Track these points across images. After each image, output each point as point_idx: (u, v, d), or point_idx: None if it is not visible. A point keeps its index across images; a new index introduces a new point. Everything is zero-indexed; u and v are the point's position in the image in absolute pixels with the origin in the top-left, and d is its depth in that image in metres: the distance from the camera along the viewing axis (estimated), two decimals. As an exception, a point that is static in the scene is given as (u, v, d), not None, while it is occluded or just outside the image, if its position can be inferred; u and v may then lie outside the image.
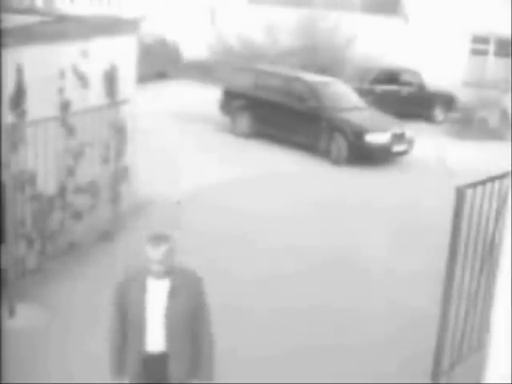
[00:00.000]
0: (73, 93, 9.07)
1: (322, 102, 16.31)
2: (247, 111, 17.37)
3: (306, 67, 20.76)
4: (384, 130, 15.75)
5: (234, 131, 17.53)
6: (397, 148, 15.89)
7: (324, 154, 15.76)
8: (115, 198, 10.04)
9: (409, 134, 16.19)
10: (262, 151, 16.27)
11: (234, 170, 14.24)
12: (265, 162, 15.30)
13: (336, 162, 15.51)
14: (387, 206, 12.65)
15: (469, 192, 6.24)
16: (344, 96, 17.15)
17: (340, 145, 15.54)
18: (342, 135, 15.57)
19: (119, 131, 9.97)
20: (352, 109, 16.62)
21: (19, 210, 8.03)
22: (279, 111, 16.81)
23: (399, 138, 15.90)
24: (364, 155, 15.60)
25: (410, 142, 16.16)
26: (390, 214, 12.20)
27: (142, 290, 4.75)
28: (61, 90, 8.87)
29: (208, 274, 9.22)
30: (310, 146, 16.09)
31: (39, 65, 8.46)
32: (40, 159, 8.36)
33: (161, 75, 23.98)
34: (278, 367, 7.15)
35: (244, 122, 17.40)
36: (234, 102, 17.79)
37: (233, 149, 16.29)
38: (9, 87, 7.93)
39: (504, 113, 20.01)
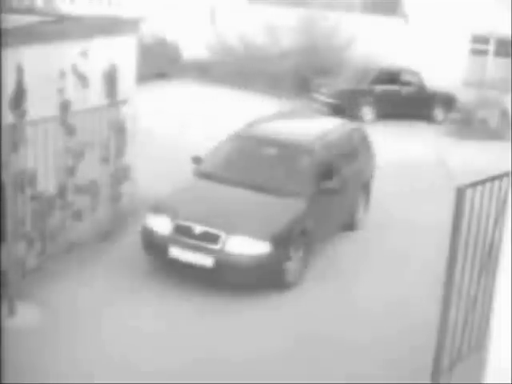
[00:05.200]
0: (73, 93, 9.07)
1: None
2: None
3: (305, 67, 20.75)
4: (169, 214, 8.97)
5: None
6: (181, 254, 8.61)
7: None
8: (115, 198, 10.04)
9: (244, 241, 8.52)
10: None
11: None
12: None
13: None
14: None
15: (469, 192, 6.24)
16: None
17: None
18: None
19: (119, 131, 9.96)
20: None
21: (19, 209, 8.03)
22: None
23: (199, 237, 8.60)
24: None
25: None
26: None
27: None
28: (61, 90, 8.86)
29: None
30: None
31: (39, 65, 8.45)
32: (40, 159, 8.36)
33: (161, 75, 23.96)
34: (277, 367, 7.16)
35: None
36: None
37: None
38: (9, 87, 7.92)
39: (504, 113, 20.00)
